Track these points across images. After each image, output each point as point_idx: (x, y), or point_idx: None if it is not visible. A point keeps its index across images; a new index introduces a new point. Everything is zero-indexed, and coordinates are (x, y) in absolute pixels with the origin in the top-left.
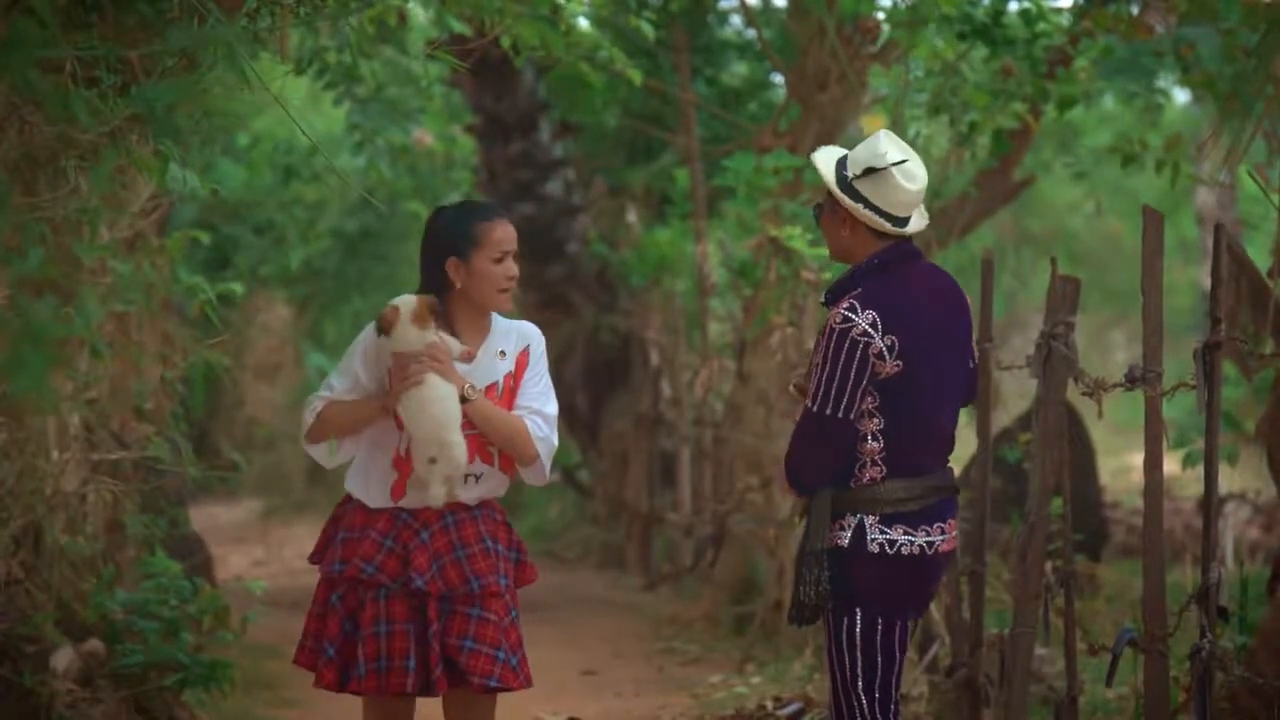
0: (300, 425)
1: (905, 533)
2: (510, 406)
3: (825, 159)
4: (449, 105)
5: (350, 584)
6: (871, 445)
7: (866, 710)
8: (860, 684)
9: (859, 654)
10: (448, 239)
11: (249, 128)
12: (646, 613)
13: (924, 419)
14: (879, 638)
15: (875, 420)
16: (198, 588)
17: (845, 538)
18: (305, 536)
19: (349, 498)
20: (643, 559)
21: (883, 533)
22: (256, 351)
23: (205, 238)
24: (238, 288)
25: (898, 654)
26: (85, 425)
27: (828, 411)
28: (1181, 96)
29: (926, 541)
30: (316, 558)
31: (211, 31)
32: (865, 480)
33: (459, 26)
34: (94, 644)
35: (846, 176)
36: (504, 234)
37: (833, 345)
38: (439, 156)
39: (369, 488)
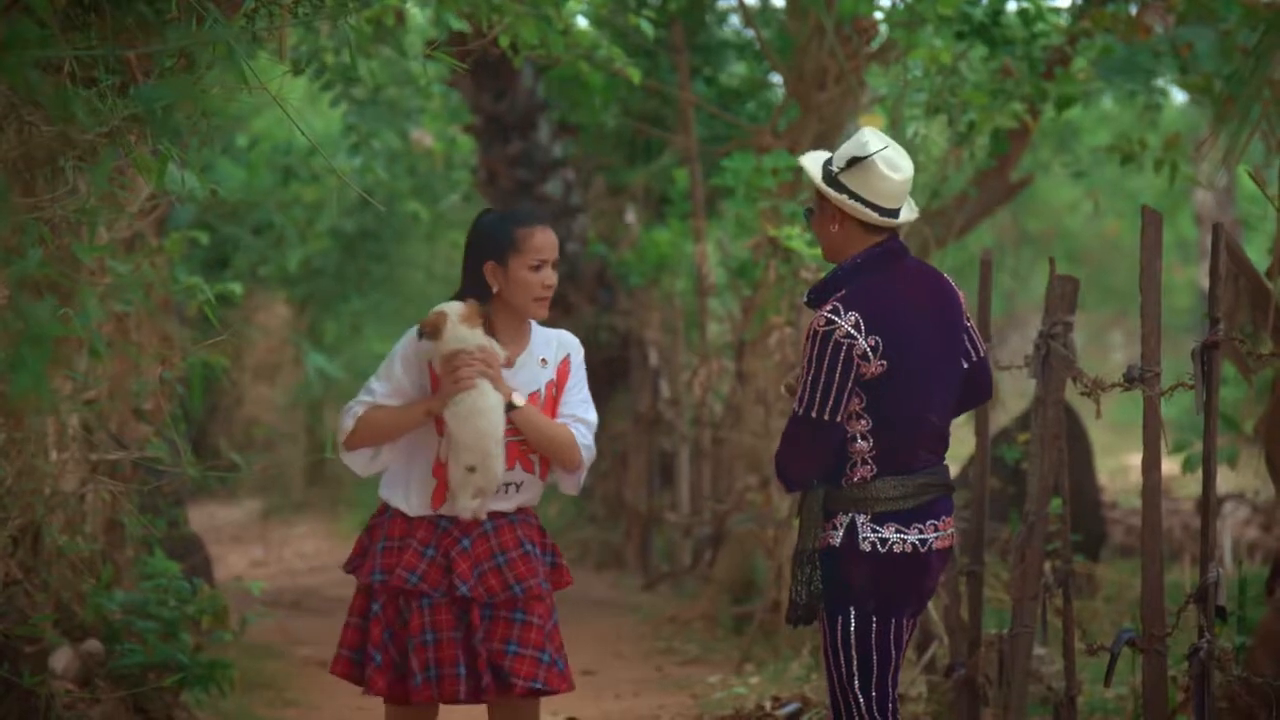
0: (340, 431)
1: (898, 531)
2: (552, 414)
3: (812, 159)
4: (448, 105)
5: (391, 594)
6: (860, 445)
7: (864, 709)
8: (857, 683)
9: (854, 653)
10: (486, 242)
11: (248, 128)
12: (645, 613)
13: (912, 417)
14: (874, 637)
15: (863, 421)
16: (196, 588)
17: (838, 537)
18: (304, 537)
19: (385, 507)
20: (642, 559)
21: (874, 531)
22: (256, 351)
23: (204, 238)
24: (237, 288)
25: (894, 653)
26: (84, 425)
27: (814, 414)
28: (1180, 96)
29: (919, 539)
30: (351, 566)
31: (210, 32)
32: (856, 479)
33: (457, 24)
34: (93, 644)
35: (832, 172)
36: (543, 241)
37: (816, 348)
38: (438, 157)
39: (409, 496)
